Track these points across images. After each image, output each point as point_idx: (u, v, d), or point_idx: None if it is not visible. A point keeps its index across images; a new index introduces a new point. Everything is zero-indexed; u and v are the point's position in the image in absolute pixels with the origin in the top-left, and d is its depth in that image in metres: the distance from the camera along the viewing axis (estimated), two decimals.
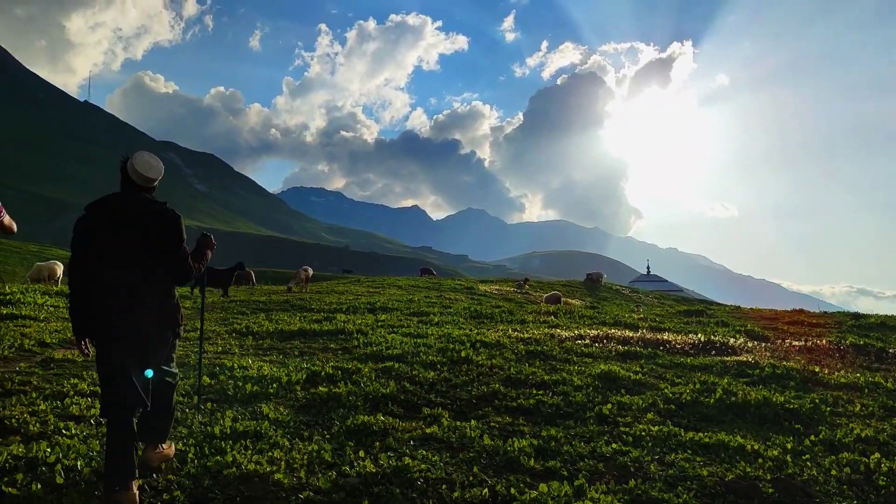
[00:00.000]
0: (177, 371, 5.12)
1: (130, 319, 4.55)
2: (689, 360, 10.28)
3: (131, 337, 4.58)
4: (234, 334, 11.51)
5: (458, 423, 6.43)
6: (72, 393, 6.84)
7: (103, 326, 4.55)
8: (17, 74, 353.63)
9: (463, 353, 9.43)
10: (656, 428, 6.53)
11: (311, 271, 25.57)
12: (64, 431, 5.62)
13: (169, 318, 4.79)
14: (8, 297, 14.84)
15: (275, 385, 7.43)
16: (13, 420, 5.81)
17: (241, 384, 7.39)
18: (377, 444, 5.79)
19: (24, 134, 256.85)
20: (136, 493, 4.30)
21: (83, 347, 4.71)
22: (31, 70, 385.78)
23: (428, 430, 6.16)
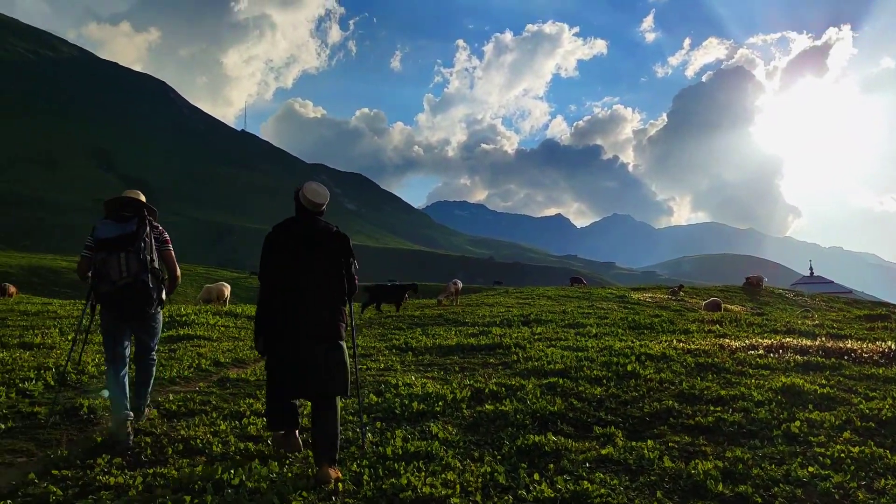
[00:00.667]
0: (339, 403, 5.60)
1: (307, 322, 5.33)
2: (881, 371, 9.36)
3: (309, 336, 5.34)
4: (394, 350, 11.64)
5: (634, 444, 6.10)
6: (248, 413, 7.05)
7: (284, 328, 5.37)
8: (182, 109, 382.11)
9: (629, 367, 9.03)
10: (856, 449, 5.91)
11: (460, 284, 25.68)
12: (244, 452, 5.78)
13: (340, 322, 5.50)
14: (184, 319, 15.79)
15: (440, 403, 7.36)
16: (198, 441, 6.04)
17: (407, 402, 7.37)
18: (551, 465, 5.57)
19: (190, 164, 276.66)
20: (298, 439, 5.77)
21: (260, 344, 5.54)
22: (195, 105, 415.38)
23: (603, 451, 5.87)
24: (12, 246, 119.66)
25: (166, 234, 6.63)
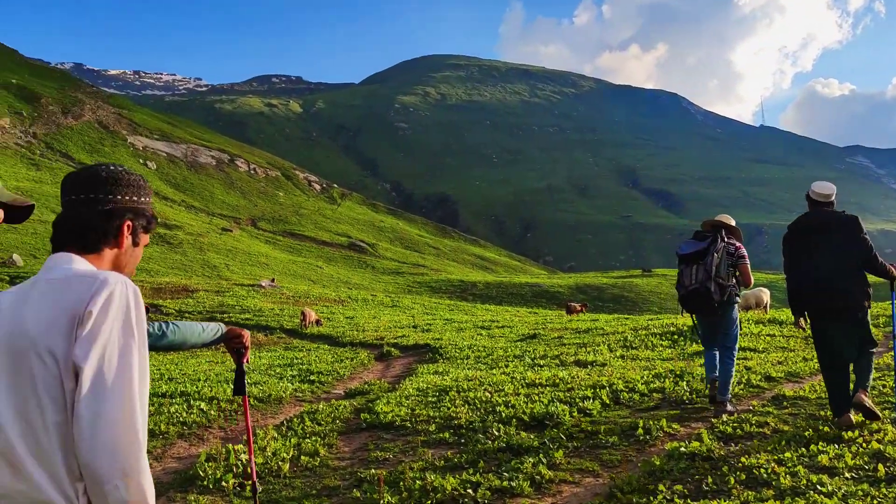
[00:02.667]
0: (874, 339, 6.56)
1: (835, 297, 6.27)
2: None
3: (838, 310, 6.30)
4: None
5: None
6: (815, 438, 6.22)
7: (816, 305, 6.46)
8: (696, 116, 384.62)
9: None
10: None
11: None
12: (818, 487, 5.03)
13: (862, 294, 6.28)
14: None
15: None
16: (762, 470, 5.49)
17: None
18: None
19: (711, 169, 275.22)
20: (852, 416, 6.26)
21: (800, 323, 6.69)
22: (708, 109, 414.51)
23: None
24: (559, 267, 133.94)
25: (742, 251, 7.78)
